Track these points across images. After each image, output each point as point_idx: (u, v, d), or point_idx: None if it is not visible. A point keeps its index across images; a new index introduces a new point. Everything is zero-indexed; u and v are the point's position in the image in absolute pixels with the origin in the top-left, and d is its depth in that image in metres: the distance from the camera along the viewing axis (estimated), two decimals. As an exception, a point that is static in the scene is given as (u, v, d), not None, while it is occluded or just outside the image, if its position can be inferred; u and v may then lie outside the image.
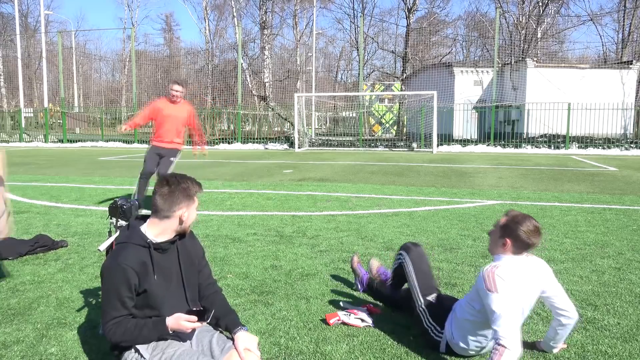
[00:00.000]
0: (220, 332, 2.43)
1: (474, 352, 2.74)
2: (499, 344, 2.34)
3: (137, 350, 2.22)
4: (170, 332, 2.22)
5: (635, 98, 25.63)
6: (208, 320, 2.26)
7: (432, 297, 2.98)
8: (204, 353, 2.33)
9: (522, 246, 2.58)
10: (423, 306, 2.95)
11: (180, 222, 2.31)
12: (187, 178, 2.32)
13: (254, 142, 25.66)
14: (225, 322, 2.40)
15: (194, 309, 2.30)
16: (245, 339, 2.30)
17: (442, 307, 2.90)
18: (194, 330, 2.33)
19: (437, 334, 2.82)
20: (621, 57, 31.70)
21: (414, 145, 22.45)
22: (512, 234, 2.57)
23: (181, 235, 2.40)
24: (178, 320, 2.21)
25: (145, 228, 2.33)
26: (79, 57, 47.06)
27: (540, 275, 2.65)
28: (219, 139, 26.59)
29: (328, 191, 8.94)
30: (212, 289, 2.55)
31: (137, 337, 2.19)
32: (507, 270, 2.54)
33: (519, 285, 2.54)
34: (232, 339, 2.32)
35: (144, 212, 5.66)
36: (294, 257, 4.70)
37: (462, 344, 2.71)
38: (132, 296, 2.21)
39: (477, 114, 26.50)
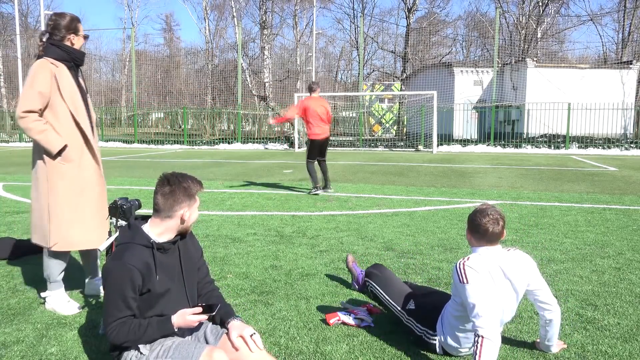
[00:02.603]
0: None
1: (466, 350, 2.74)
2: (478, 335, 2.38)
3: (136, 348, 2.22)
4: (176, 329, 2.23)
5: (635, 98, 25.63)
6: (214, 312, 2.27)
7: (411, 305, 2.98)
8: (200, 341, 2.35)
9: (482, 237, 2.61)
10: (407, 317, 2.95)
11: (182, 221, 2.31)
12: (187, 177, 2.32)
13: (254, 142, 25.65)
14: (220, 315, 2.40)
15: (199, 304, 2.31)
16: (239, 327, 2.31)
17: (427, 309, 2.89)
18: (200, 324, 2.34)
19: (431, 337, 2.81)
20: (621, 57, 31.70)
21: (420, 147, 22.45)
22: (470, 226, 2.66)
23: (182, 235, 2.40)
24: (184, 316, 2.22)
25: (147, 228, 2.33)
26: (79, 57, 46.93)
27: (522, 268, 2.65)
28: (219, 139, 26.58)
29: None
30: (209, 287, 2.57)
31: (141, 337, 2.18)
32: (478, 261, 2.58)
33: (493, 275, 2.57)
34: (227, 329, 2.33)
35: (144, 211, 5.66)
36: (294, 257, 4.70)
37: (453, 342, 2.72)
38: (136, 297, 2.20)
39: (477, 114, 26.50)
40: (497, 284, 2.58)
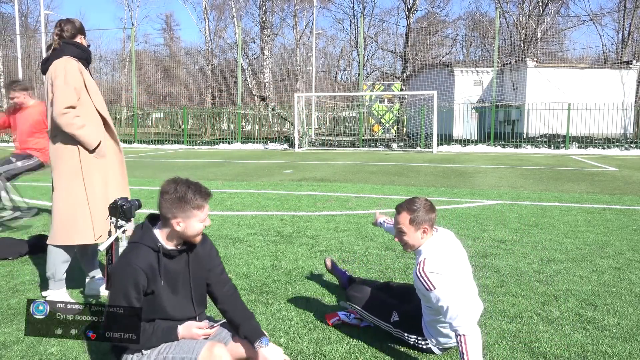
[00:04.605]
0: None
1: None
2: (458, 334, 2.39)
3: (137, 350, 2.22)
4: (180, 339, 2.23)
5: (635, 98, 25.63)
6: (219, 324, 2.29)
7: (395, 317, 2.95)
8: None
9: (434, 222, 2.73)
10: (395, 330, 2.93)
11: (175, 231, 2.25)
12: (191, 187, 2.22)
13: (254, 142, 25.65)
14: (244, 331, 2.32)
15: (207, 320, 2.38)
16: (268, 356, 2.26)
17: (410, 316, 2.88)
18: (207, 337, 2.34)
19: (424, 343, 2.81)
20: (621, 57, 31.69)
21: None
22: (423, 218, 2.67)
23: (190, 244, 2.34)
24: (190, 328, 2.23)
25: (157, 231, 2.31)
26: (79, 57, 46.89)
27: (453, 236, 2.83)
28: (219, 139, 26.58)
29: (328, 191, 8.94)
30: (227, 289, 2.46)
31: (145, 343, 2.18)
32: (434, 260, 2.59)
33: (449, 263, 2.61)
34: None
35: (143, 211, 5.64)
36: (294, 257, 4.70)
37: (443, 339, 2.74)
38: (140, 297, 2.19)
39: (477, 114, 26.49)
40: (455, 265, 2.63)
